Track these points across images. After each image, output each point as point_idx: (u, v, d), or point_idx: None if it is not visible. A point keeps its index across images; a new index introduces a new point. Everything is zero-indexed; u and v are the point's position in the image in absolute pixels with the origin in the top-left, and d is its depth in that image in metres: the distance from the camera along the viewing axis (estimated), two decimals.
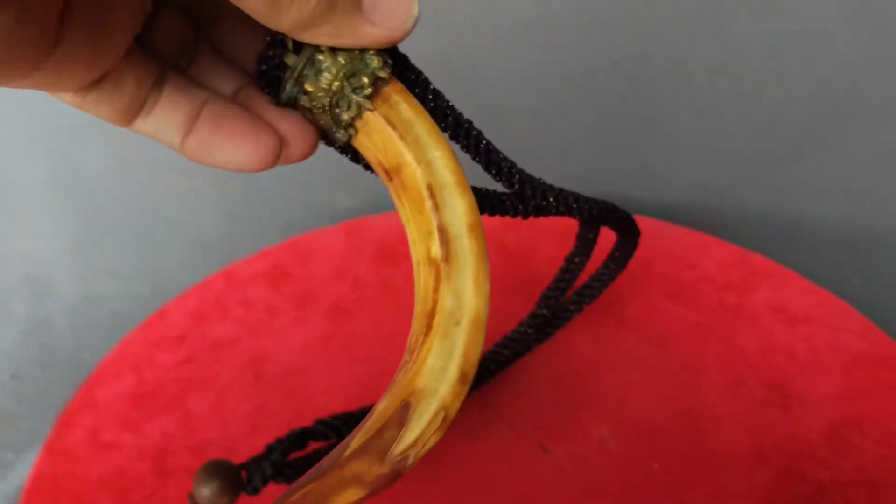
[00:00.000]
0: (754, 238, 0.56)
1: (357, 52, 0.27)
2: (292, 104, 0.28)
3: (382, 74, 0.27)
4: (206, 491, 0.35)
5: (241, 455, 0.42)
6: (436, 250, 0.27)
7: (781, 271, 0.52)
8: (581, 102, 0.58)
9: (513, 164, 0.32)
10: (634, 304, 0.50)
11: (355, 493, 0.24)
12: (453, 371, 0.26)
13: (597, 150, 0.60)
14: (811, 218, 0.59)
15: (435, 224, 0.27)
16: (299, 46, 0.27)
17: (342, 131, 0.28)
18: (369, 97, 0.27)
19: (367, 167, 0.29)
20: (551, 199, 0.33)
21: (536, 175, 0.33)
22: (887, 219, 0.57)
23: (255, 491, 0.36)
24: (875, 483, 0.39)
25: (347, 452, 0.25)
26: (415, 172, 0.27)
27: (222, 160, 0.28)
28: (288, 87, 0.28)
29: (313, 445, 0.39)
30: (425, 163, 0.27)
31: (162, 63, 0.28)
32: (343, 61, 0.27)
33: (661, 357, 0.46)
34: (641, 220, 0.57)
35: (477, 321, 0.26)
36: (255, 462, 0.36)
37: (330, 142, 0.29)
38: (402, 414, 0.26)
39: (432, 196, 0.27)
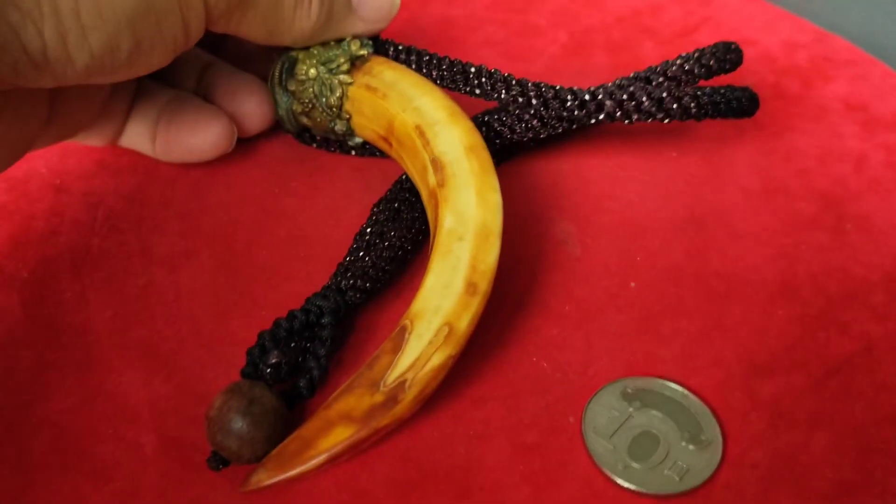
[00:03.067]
0: (836, 20, 0.41)
1: (333, 42, 0.28)
2: (294, 121, 0.30)
3: (361, 52, 0.28)
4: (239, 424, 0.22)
5: (71, 194, 0.30)
6: (431, 179, 0.26)
7: (869, 61, 0.38)
8: None
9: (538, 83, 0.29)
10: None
11: (343, 432, 0.22)
12: (458, 284, 0.23)
13: None
14: None
15: (427, 158, 0.26)
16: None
17: (339, 121, 0.29)
18: (348, 72, 0.28)
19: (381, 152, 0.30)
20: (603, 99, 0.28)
21: None
22: None
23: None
24: None
25: (335, 394, 0.22)
26: (403, 120, 0.27)
27: (183, 153, 0.30)
28: (278, 97, 0.29)
29: None
30: (412, 109, 0.27)
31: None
32: (316, 51, 0.28)
33: (675, 150, 0.33)
34: None
35: (484, 232, 0.24)
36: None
37: (339, 140, 0.31)
38: (398, 339, 0.23)
39: (421, 135, 0.26)
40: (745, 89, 0.30)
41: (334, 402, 0.22)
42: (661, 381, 0.24)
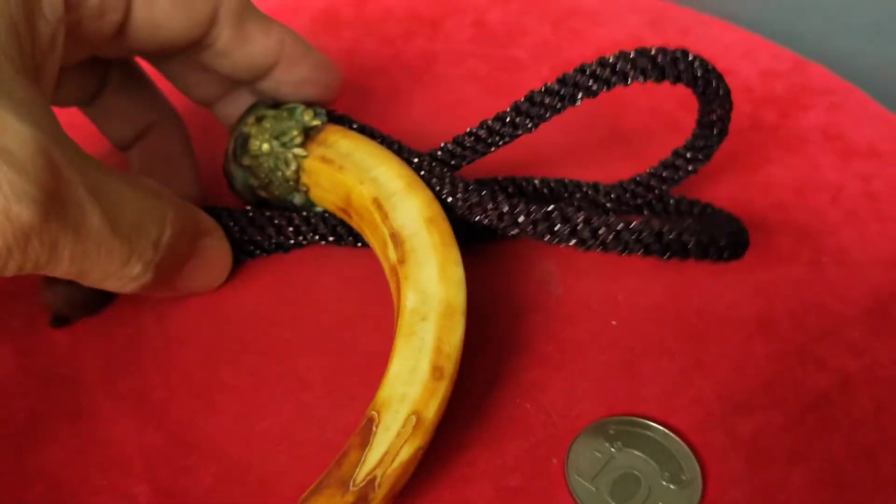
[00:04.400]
0: (815, 49, 0.42)
1: (285, 113, 0.28)
2: (252, 195, 0.29)
3: (315, 123, 0.28)
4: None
5: None
6: (392, 255, 0.25)
7: (846, 89, 0.38)
8: None
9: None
10: (632, 116, 0.37)
11: None
12: (424, 369, 0.23)
13: None
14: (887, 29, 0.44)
15: (387, 232, 0.25)
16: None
17: (297, 194, 0.28)
18: (301, 145, 0.27)
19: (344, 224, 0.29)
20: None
21: None
22: None
23: None
24: None
25: (303, 496, 0.21)
26: (360, 192, 0.26)
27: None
28: (233, 171, 0.29)
29: None
30: (369, 180, 0.26)
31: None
32: (268, 125, 0.28)
33: None
34: (671, 9, 0.44)
35: (448, 310, 0.24)
36: None
37: (299, 212, 0.29)
38: (365, 433, 0.22)
39: (379, 207, 0.26)
40: (703, 230, 0.27)
41: None
42: (642, 421, 0.25)
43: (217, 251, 0.28)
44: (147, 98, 0.31)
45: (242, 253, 0.30)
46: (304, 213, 0.29)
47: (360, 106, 0.37)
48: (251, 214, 0.29)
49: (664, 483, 0.24)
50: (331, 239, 0.29)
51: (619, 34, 0.42)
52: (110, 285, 0.23)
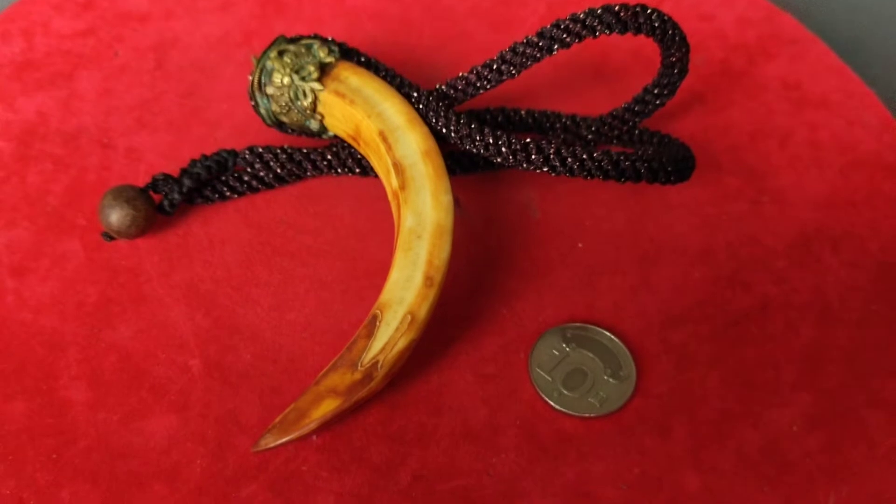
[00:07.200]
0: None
1: (303, 48, 0.32)
2: (273, 119, 0.34)
3: (328, 60, 0.32)
4: (114, 217, 0.32)
5: (116, 150, 0.36)
6: (394, 182, 0.30)
7: (810, 40, 0.43)
8: None
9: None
10: (615, 57, 0.41)
11: (331, 403, 0.27)
12: (418, 278, 0.28)
13: None
14: None
15: (390, 161, 0.30)
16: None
17: (313, 121, 0.33)
18: (318, 80, 0.32)
19: (350, 147, 0.34)
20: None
21: None
22: None
23: (169, 211, 0.34)
24: (830, 310, 0.33)
25: (322, 372, 0.28)
26: (368, 125, 0.31)
27: None
28: (258, 99, 0.33)
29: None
30: (375, 114, 0.31)
31: None
32: (289, 60, 0.32)
33: None
34: None
35: (439, 230, 0.29)
36: (166, 181, 0.34)
37: (315, 134, 0.34)
38: (371, 326, 0.28)
39: (385, 139, 0.31)
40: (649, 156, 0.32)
41: (322, 379, 0.27)
42: (593, 328, 0.31)
43: None
44: None
45: (283, 183, 0.35)
46: (335, 149, 0.34)
47: (375, 33, 0.42)
48: (290, 151, 0.34)
49: (605, 377, 0.30)
50: (357, 171, 0.34)
51: None
52: None
